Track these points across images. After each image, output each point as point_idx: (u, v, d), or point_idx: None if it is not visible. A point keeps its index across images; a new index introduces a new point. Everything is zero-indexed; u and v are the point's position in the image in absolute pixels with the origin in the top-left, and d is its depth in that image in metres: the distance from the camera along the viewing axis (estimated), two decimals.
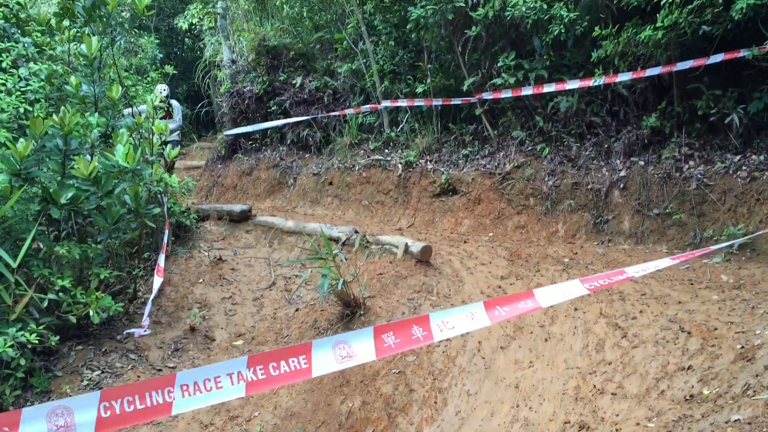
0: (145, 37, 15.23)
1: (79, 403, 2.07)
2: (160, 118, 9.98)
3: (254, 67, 12.63)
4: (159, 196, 6.88)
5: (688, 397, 4.28)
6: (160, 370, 5.85)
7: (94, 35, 6.26)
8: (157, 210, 6.21)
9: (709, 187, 6.88)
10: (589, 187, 7.79)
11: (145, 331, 6.29)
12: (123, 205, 5.79)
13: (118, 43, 7.45)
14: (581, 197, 7.84)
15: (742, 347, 4.54)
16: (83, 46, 6.01)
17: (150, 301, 6.55)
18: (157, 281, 6.73)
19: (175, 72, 12.29)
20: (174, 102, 10.98)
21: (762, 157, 6.67)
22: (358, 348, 2.49)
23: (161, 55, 15.95)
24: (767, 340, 4.50)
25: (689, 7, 6.34)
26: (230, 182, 12.28)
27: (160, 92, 10.49)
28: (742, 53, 6.44)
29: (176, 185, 6.95)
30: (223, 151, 13.01)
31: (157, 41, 15.67)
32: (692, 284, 5.90)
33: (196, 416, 5.41)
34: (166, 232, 7.21)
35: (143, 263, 7.10)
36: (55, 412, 2.11)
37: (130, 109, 8.89)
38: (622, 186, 7.55)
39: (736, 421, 3.52)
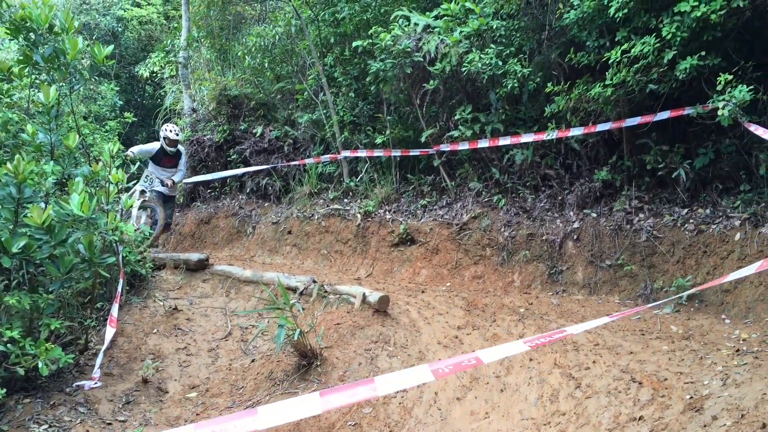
0: (105, 84, 15.21)
1: None
2: (165, 165, 10.09)
3: (215, 116, 12.69)
4: (114, 245, 6.79)
5: None
6: (110, 423, 5.69)
7: (52, 84, 6.24)
8: (112, 259, 6.11)
9: (659, 239, 7.07)
10: (543, 238, 7.94)
11: (95, 383, 6.13)
12: (76, 254, 5.71)
13: (77, 90, 7.44)
14: (536, 248, 7.97)
15: (691, 397, 4.63)
16: (41, 94, 5.99)
17: (102, 352, 6.40)
18: (110, 332, 6.59)
19: (135, 119, 12.29)
20: (182, 149, 10.54)
21: (708, 211, 6.90)
22: (303, 407, 2.49)
23: (121, 102, 15.92)
24: (715, 390, 4.60)
25: (636, 66, 6.61)
26: (188, 230, 12.19)
27: (171, 132, 9.94)
28: (687, 111, 6.71)
29: (131, 233, 6.88)
30: (181, 199, 12.93)
31: (117, 88, 15.66)
32: (643, 335, 6.01)
33: None
34: (121, 281, 7.10)
35: (96, 313, 6.95)
36: None
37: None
38: (575, 237, 7.71)
39: None
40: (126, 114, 11.92)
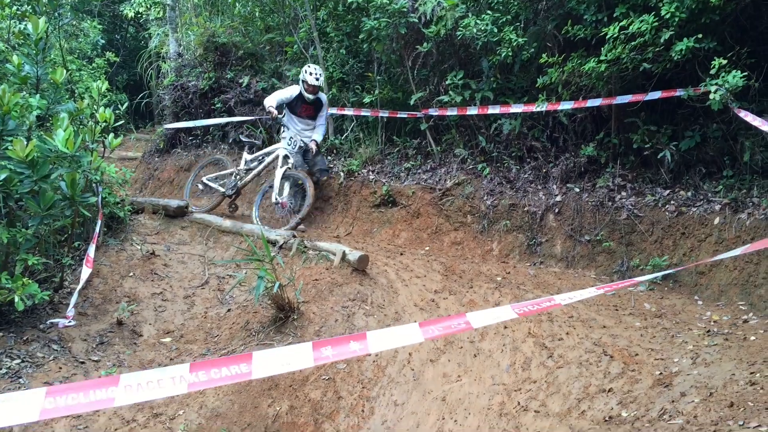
0: (88, 22, 14.83)
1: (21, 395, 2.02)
2: (302, 115, 9.22)
3: (201, 62, 12.46)
4: (95, 185, 6.70)
5: (607, 419, 4.44)
6: (83, 362, 5.69)
7: (40, 15, 6.08)
8: (93, 199, 6.03)
9: (639, 218, 7.16)
10: (525, 209, 7.99)
11: (69, 321, 6.11)
12: (57, 191, 5.63)
13: (64, 25, 7.25)
14: (517, 218, 8.03)
15: (661, 373, 4.74)
16: (29, 26, 5.83)
17: (77, 291, 6.36)
18: (86, 272, 6.54)
19: (116, 60, 12.04)
20: (323, 97, 9.42)
21: (689, 193, 6.99)
22: (297, 358, 2.50)
23: (103, 41, 15.57)
24: (684, 368, 4.72)
25: (633, 44, 6.61)
26: (167, 177, 12.05)
27: (311, 75, 8.87)
28: (678, 92, 6.74)
29: (114, 175, 6.79)
30: (161, 144, 12.75)
31: (100, 26, 15.29)
32: (617, 310, 6.12)
33: (117, 411, 5.29)
34: (99, 222, 7.02)
35: (72, 252, 6.89)
36: None
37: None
38: (557, 211, 7.77)
39: None
40: (108, 53, 11.70)
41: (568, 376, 5.11)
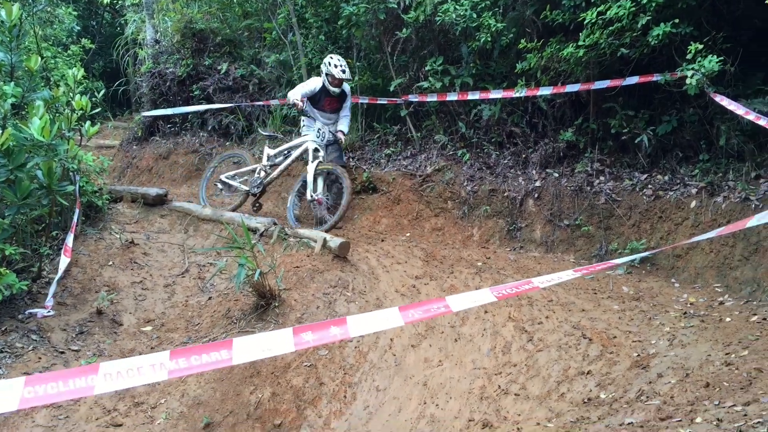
0: (63, 8, 14.60)
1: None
2: (326, 109, 8.49)
3: (178, 49, 12.34)
4: (72, 173, 6.63)
5: (586, 400, 4.50)
6: (63, 352, 5.66)
7: (14, 1, 5.99)
8: (71, 188, 5.98)
9: (617, 203, 7.22)
10: (505, 194, 8.03)
11: (48, 311, 6.07)
12: (34, 180, 5.58)
13: (38, 11, 7.15)
14: (497, 204, 8.07)
15: (638, 355, 4.81)
16: (2, 12, 5.74)
17: (55, 281, 6.32)
18: (64, 261, 6.50)
19: (92, 46, 11.88)
20: (348, 88, 8.70)
21: (666, 178, 7.06)
22: (277, 344, 2.51)
23: (78, 28, 15.34)
24: (661, 349, 4.79)
25: (610, 29, 6.64)
26: (146, 165, 11.95)
27: (337, 68, 8.17)
28: (656, 77, 6.79)
29: (91, 163, 6.73)
30: (140, 132, 12.63)
31: (75, 13, 15.07)
32: (596, 294, 6.19)
33: (98, 401, 5.27)
34: (77, 211, 6.96)
35: (50, 242, 6.83)
36: None
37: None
38: (536, 196, 7.82)
39: (629, 424, 3.73)
40: (84, 40, 11.54)
41: (547, 360, 5.17)
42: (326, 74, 8.24)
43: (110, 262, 7.15)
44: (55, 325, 5.94)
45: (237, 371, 5.55)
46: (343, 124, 8.69)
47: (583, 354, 5.09)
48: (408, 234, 8.39)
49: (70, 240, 6.64)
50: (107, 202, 8.09)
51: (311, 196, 8.05)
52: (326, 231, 7.55)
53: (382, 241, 7.93)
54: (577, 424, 4.12)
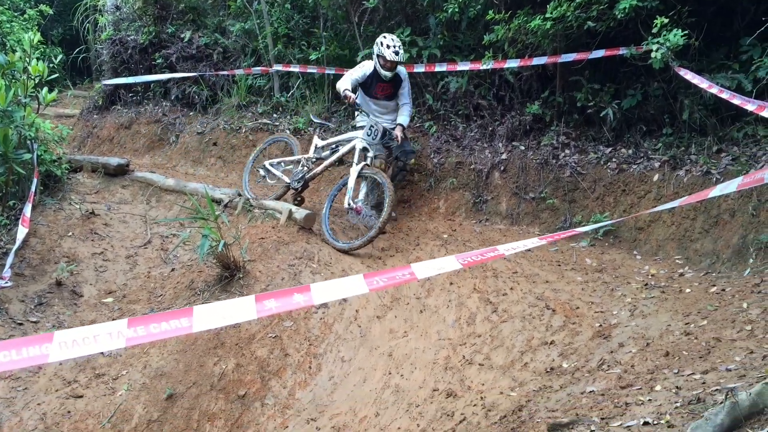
0: None
1: None
2: (378, 96, 7.56)
3: (140, 16, 12.03)
4: (29, 141, 6.45)
5: (548, 370, 4.55)
6: (21, 324, 5.55)
7: None
8: (28, 156, 5.83)
9: (582, 176, 7.27)
10: (471, 167, 8.03)
11: (6, 282, 5.94)
12: None
13: None
14: (463, 176, 8.07)
15: (600, 326, 4.88)
16: None
17: (13, 251, 6.18)
18: (22, 231, 6.36)
19: (50, 12, 11.52)
20: (403, 71, 7.68)
21: (630, 151, 7.12)
22: (239, 311, 2.47)
23: None
24: (623, 320, 4.86)
25: (577, 1, 6.63)
26: (107, 134, 11.69)
27: (389, 49, 7.15)
28: (622, 51, 6.81)
29: (49, 131, 6.55)
30: (100, 101, 12.33)
31: None
32: (560, 266, 6.25)
33: (58, 372, 5.20)
34: (35, 180, 6.79)
35: (7, 212, 6.67)
36: None
37: None
38: (502, 169, 7.84)
39: (590, 392, 3.78)
40: (42, 5, 11.19)
41: (511, 330, 5.21)
42: (377, 56, 7.26)
43: (70, 233, 7.01)
44: (13, 297, 5.82)
45: (200, 342, 5.50)
46: (404, 115, 7.61)
47: (546, 324, 5.15)
48: None
49: (27, 210, 6.48)
50: (67, 171, 7.91)
51: (349, 204, 7.00)
52: (365, 244, 6.71)
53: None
54: (540, 393, 4.17)
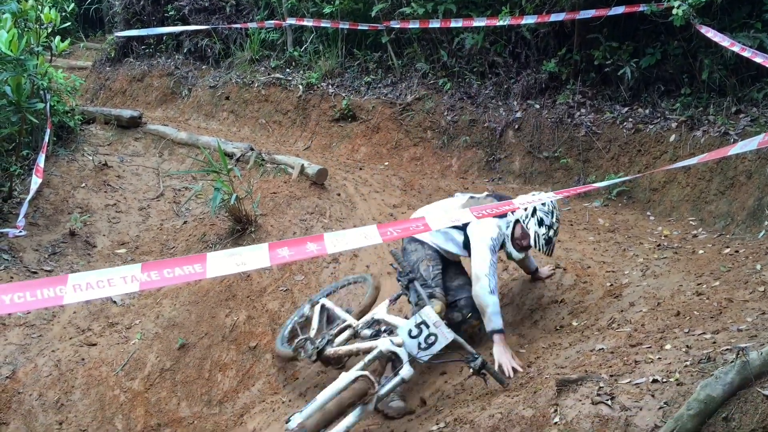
0: None
1: None
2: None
3: None
4: (42, 91, 6.43)
5: (558, 327, 4.56)
6: (35, 272, 5.61)
7: None
8: (40, 105, 5.81)
9: (597, 135, 7.20)
10: (485, 125, 7.96)
11: (20, 231, 5.98)
12: (2, 97, 5.40)
13: None
14: (477, 134, 8.01)
15: (611, 285, 4.87)
16: None
17: (27, 201, 6.21)
18: (36, 181, 6.38)
19: None
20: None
21: (647, 111, 7.03)
22: (252, 258, 2.47)
23: None
24: (634, 280, 4.84)
25: None
26: (119, 87, 11.65)
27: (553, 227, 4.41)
28: (642, 8, 6.67)
29: (62, 81, 6.52)
30: (112, 53, 12.26)
31: None
32: (572, 225, 6.22)
33: (72, 321, 5.27)
34: (48, 130, 6.79)
35: (21, 162, 6.69)
36: None
37: None
38: (516, 127, 7.77)
39: (600, 350, 3.79)
40: None
41: (522, 288, 5.21)
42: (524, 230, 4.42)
43: (83, 184, 7.03)
44: (27, 246, 5.87)
45: (212, 294, 5.54)
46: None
47: (557, 283, 5.14)
48: (386, 163, 8.33)
49: (41, 160, 6.49)
50: (79, 123, 7.90)
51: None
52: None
53: (360, 169, 7.88)
54: (549, 350, 4.18)
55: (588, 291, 4.92)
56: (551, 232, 4.33)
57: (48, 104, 6.67)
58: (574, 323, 4.53)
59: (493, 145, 7.87)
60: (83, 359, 5.07)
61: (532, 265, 5.09)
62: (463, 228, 4.40)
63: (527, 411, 3.12)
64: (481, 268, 4.20)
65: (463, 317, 4.47)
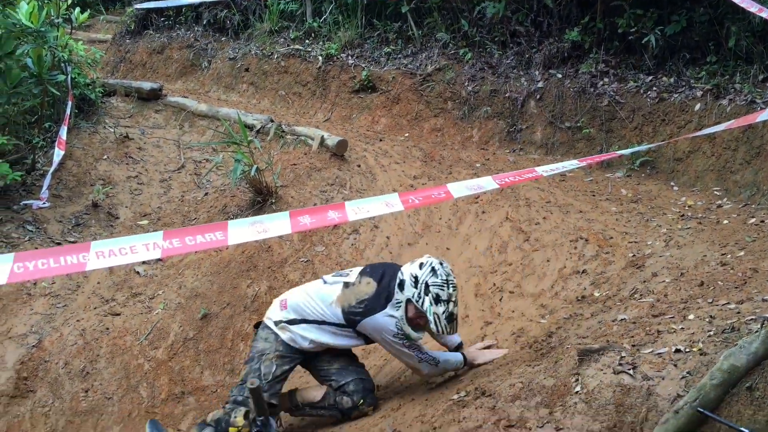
0: None
1: None
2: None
3: None
4: (63, 63, 6.46)
5: (580, 298, 4.54)
6: (59, 243, 5.68)
7: None
8: (62, 77, 5.85)
9: (620, 105, 7.09)
10: (506, 95, 7.88)
11: (43, 203, 6.05)
12: (24, 69, 5.43)
13: None
14: (498, 105, 7.93)
15: (634, 256, 4.83)
16: None
17: (50, 173, 6.28)
18: (58, 154, 6.44)
19: None
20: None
21: (672, 80, 6.91)
22: (274, 225, 2.48)
23: None
24: (657, 250, 4.80)
25: None
26: (139, 59, 11.67)
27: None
28: None
29: (82, 54, 6.54)
30: (132, 25, 12.26)
31: None
32: (594, 196, 6.17)
33: (96, 291, 5.34)
34: (69, 103, 6.83)
35: (43, 134, 6.75)
36: None
37: None
38: (538, 97, 7.68)
39: (622, 320, 3.77)
40: None
41: (543, 259, 5.19)
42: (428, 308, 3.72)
43: (105, 156, 7.08)
44: (51, 217, 5.94)
45: (234, 265, 5.59)
46: None
47: (579, 254, 5.11)
48: (407, 134, 8.29)
49: (63, 132, 6.54)
50: (100, 95, 7.94)
51: None
52: None
53: (381, 140, 7.85)
54: (570, 321, 4.17)
55: (610, 262, 4.89)
56: (451, 306, 3.64)
57: (69, 76, 6.71)
58: (596, 294, 4.51)
59: (514, 115, 7.79)
60: (107, 329, 5.15)
61: (451, 343, 4.21)
62: (351, 326, 3.74)
63: (548, 380, 3.12)
64: (408, 361, 3.81)
65: (354, 403, 3.87)
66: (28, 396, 4.74)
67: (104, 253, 2.10)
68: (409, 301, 3.64)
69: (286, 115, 8.89)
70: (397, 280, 3.62)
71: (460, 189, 2.73)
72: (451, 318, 3.64)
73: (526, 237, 5.55)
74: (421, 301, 3.59)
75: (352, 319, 3.63)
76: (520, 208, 5.98)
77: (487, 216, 5.93)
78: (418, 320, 3.70)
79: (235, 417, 3.34)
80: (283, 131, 7.45)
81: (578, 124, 7.30)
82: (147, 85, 8.56)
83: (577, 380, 3.00)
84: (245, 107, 9.08)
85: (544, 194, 6.20)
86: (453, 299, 3.64)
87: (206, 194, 6.79)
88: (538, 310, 4.60)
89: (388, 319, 3.64)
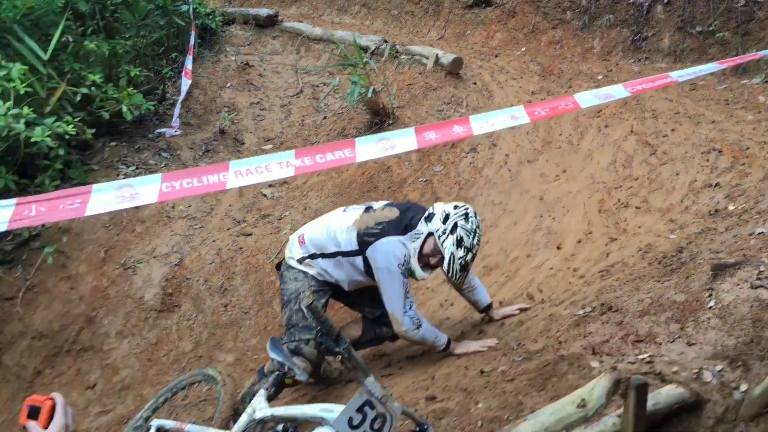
0: None
1: (143, 180, 2.14)
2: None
3: None
4: None
5: (712, 212, 4.34)
6: None
7: None
8: (185, 8, 6.05)
9: (758, 5, 6.54)
10: (630, 1, 7.42)
11: (175, 131, 6.38)
12: (150, 1, 5.65)
13: None
14: (621, 12, 7.50)
15: None
16: None
17: (179, 102, 6.58)
18: (186, 83, 6.72)
19: None
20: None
21: None
22: (400, 141, 2.51)
23: None
24: None
25: None
26: None
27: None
28: None
29: None
30: None
31: None
32: (728, 104, 5.79)
33: (228, 213, 5.62)
34: (193, 33, 7.07)
35: (171, 64, 7.04)
36: (120, 187, 2.17)
37: None
38: (666, 1, 7.19)
39: (760, 233, 3.59)
40: None
41: (672, 172, 4.97)
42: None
43: (228, 84, 7.32)
44: (183, 144, 6.26)
45: (354, 186, 5.71)
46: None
47: (711, 167, 4.85)
48: (523, 49, 8.02)
49: (189, 62, 6.80)
50: (220, 24, 8.16)
51: None
52: None
53: (496, 56, 7.65)
54: (702, 235, 4.01)
55: (746, 173, 4.62)
56: (469, 257, 3.44)
57: (191, 7, 6.92)
58: (731, 207, 4.29)
59: (639, 22, 7.34)
60: (241, 248, 5.44)
61: (481, 300, 3.96)
62: (361, 252, 3.49)
63: (679, 296, 3.05)
64: (394, 305, 3.48)
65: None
66: (174, 310, 5.12)
67: (242, 172, 2.21)
68: (431, 234, 3.43)
69: (399, 34, 8.80)
70: (426, 214, 3.44)
71: (588, 98, 2.64)
72: (465, 267, 3.46)
73: (652, 150, 5.31)
74: (444, 237, 3.39)
75: (366, 241, 3.42)
76: (646, 120, 5.71)
77: (611, 130, 5.72)
78: (430, 257, 3.47)
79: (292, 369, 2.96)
80: (398, 51, 7.40)
81: (710, 28, 6.80)
82: (264, 12, 8.70)
83: (710, 295, 2.91)
84: (358, 29, 9.06)
85: (673, 105, 5.88)
86: (474, 251, 3.45)
87: (325, 118, 6.92)
88: (666, 225, 4.43)
89: (399, 246, 3.43)
